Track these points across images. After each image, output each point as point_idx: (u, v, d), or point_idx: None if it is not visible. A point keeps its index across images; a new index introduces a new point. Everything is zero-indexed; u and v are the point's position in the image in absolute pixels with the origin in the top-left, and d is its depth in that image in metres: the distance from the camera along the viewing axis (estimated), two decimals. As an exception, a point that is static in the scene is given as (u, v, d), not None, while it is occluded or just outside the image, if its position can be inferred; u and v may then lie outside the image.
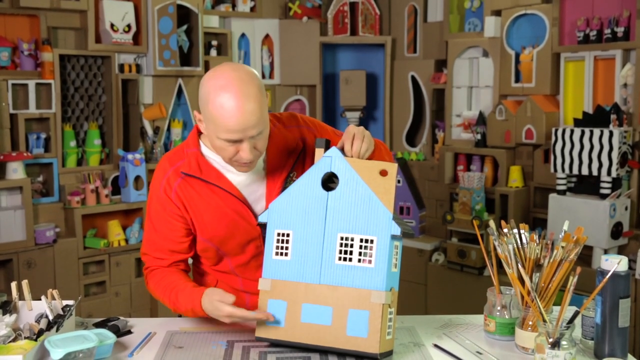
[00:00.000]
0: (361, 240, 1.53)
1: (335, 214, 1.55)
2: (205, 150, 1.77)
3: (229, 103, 1.54)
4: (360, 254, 1.53)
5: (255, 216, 1.75)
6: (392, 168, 1.54)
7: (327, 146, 1.61)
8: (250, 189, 1.77)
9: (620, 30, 3.39)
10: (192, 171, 1.73)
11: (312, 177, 1.59)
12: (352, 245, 1.54)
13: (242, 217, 1.75)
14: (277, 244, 1.59)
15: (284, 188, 1.74)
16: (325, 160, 1.58)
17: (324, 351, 1.58)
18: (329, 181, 1.59)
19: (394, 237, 1.53)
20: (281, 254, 1.59)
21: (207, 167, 1.74)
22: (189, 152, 1.76)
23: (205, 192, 1.74)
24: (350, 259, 1.54)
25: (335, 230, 1.55)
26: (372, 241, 1.53)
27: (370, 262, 1.52)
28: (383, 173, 1.54)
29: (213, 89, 1.57)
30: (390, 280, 1.54)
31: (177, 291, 1.72)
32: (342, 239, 1.54)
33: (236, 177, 1.76)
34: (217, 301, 1.61)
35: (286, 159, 1.77)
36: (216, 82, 1.57)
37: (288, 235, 1.58)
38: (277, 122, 1.81)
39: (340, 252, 1.55)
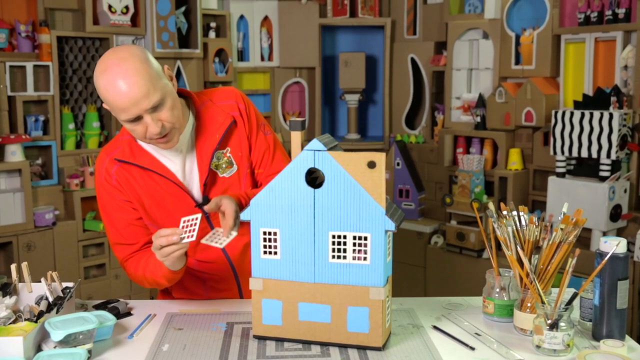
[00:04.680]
0: (354, 238, 1.49)
1: (324, 211, 1.49)
2: None
3: (111, 84, 1.58)
4: (354, 251, 1.50)
5: (193, 198, 1.78)
6: (380, 158, 1.45)
7: (303, 127, 1.54)
8: (184, 171, 1.79)
9: (621, 11, 3.36)
10: (125, 157, 1.76)
11: (294, 172, 1.50)
12: (345, 243, 1.50)
13: (180, 199, 1.77)
14: (264, 243, 1.54)
15: (213, 165, 1.78)
16: (307, 154, 1.49)
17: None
18: (309, 173, 1.52)
19: (387, 231, 1.50)
20: (269, 252, 1.54)
21: (140, 153, 1.77)
22: (122, 140, 1.79)
23: (142, 177, 1.77)
24: (345, 257, 1.50)
25: (326, 229, 1.50)
26: (366, 238, 1.48)
27: (365, 259, 1.49)
28: (371, 165, 1.46)
29: (97, 76, 1.61)
30: (386, 272, 1.52)
31: (147, 261, 1.74)
32: (334, 237, 1.50)
33: (170, 161, 1.78)
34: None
35: (213, 137, 1.78)
36: (98, 69, 1.61)
37: (275, 233, 1.53)
38: (207, 98, 1.83)
39: (334, 250, 1.51)
